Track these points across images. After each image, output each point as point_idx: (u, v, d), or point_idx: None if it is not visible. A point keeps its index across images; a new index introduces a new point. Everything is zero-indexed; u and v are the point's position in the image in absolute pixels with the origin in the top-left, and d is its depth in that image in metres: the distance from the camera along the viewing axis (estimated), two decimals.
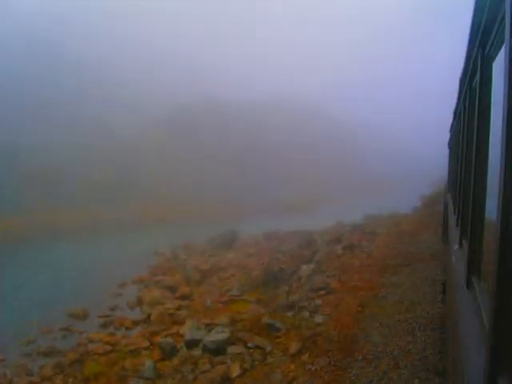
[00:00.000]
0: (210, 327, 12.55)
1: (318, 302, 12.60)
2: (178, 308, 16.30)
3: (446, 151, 16.93)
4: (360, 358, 7.63)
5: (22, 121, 55.23)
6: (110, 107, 66.94)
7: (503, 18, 1.98)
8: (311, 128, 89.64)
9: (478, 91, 3.30)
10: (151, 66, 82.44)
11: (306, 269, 17.24)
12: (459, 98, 6.87)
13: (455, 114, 9.11)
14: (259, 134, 77.66)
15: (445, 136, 19.13)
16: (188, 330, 12.32)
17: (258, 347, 10.72)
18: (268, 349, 10.53)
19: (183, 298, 17.81)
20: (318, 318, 11.15)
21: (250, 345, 10.91)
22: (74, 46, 72.39)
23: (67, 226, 39.78)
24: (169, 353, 11.49)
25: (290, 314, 12.76)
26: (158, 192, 54.63)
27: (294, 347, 9.75)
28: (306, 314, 12.17)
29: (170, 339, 12.26)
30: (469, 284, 3.18)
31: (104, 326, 15.44)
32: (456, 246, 5.08)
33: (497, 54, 2.52)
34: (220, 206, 53.05)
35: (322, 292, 13.63)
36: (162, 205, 51.00)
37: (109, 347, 12.86)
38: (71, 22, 77.81)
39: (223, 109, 79.78)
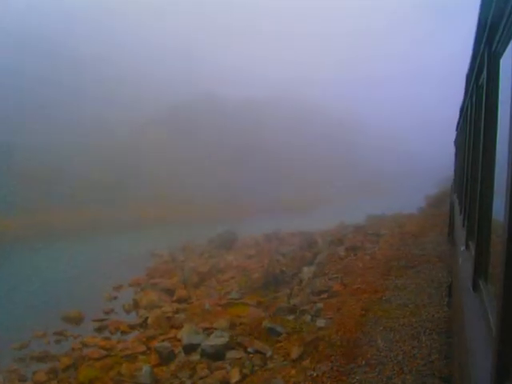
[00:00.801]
0: (208, 331, 12.37)
1: (320, 305, 12.35)
2: (176, 311, 16.05)
3: (449, 150, 16.69)
4: (363, 363, 7.48)
5: (21, 120, 55.11)
6: (109, 105, 66.85)
7: (511, 13, 1.97)
8: (311, 126, 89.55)
9: (484, 88, 3.22)
10: (151, 63, 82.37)
11: (307, 271, 17.00)
12: (466, 96, 6.79)
13: (461, 111, 8.98)
14: (259, 133, 77.58)
15: (448, 135, 18.86)
16: (186, 335, 12.10)
17: (258, 352, 10.53)
18: (268, 354, 10.34)
19: (181, 301, 17.51)
20: (320, 322, 10.90)
21: (249, 349, 10.71)
22: (74, 43, 72.37)
23: (65, 226, 39.60)
24: (166, 358, 11.31)
25: (291, 317, 12.54)
26: (158, 192, 54.46)
27: (295, 352, 9.54)
28: (308, 317, 11.94)
29: (167, 344, 12.05)
30: (475, 286, 3.13)
31: (99, 330, 15.21)
32: (462, 248, 5.01)
33: (504, 50, 2.47)
34: (220, 206, 52.89)
35: (324, 295, 13.40)
36: (162, 205, 50.86)
37: (104, 352, 12.65)
38: (71, 19, 77.78)
39: (223, 107, 79.73)
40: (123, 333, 14.84)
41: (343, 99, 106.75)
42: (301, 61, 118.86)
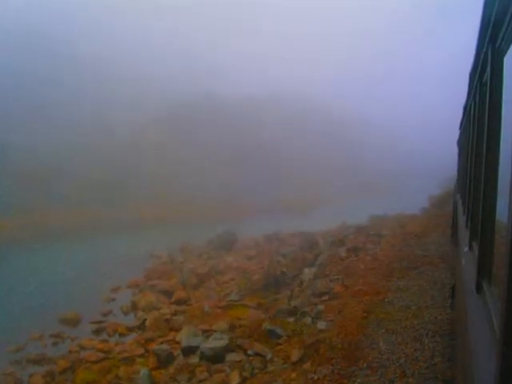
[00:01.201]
0: (207, 333, 12.35)
1: (321, 307, 12.31)
2: (175, 313, 15.96)
3: (452, 150, 16.54)
4: (365, 366, 7.44)
5: (20, 120, 55.06)
6: (109, 105, 66.82)
7: None
8: (312, 126, 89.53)
9: (488, 86, 3.20)
10: (151, 63, 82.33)
11: (308, 272, 16.95)
12: (469, 94, 6.73)
13: (465, 110, 8.86)
14: (259, 133, 77.63)
15: (450, 134, 18.71)
16: (185, 337, 12.11)
17: (258, 354, 10.55)
18: (268, 356, 10.39)
19: (180, 302, 17.40)
20: (321, 324, 10.88)
21: (249, 352, 10.72)
22: (73, 43, 72.33)
23: (64, 226, 39.46)
24: (164, 360, 11.28)
25: (291, 319, 12.53)
26: (158, 192, 54.39)
27: (295, 355, 9.54)
28: (309, 319, 11.91)
29: (165, 346, 12.04)
30: (479, 288, 3.09)
31: (97, 332, 15.15)
32: (466, 249, 4.99)
33: (508, 48, 2.46)
34: (220, 206, 52.79)
35: (325, 297, 13.34)
36: (162, 205, 50.78)
37: (102, 355, 12.59)
38: (70, 18, 77.77)
39: (223, 106, 79.71)
40: (121, 335, 14.77)
41: (343, 98, 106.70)
42: (301, 60, 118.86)
